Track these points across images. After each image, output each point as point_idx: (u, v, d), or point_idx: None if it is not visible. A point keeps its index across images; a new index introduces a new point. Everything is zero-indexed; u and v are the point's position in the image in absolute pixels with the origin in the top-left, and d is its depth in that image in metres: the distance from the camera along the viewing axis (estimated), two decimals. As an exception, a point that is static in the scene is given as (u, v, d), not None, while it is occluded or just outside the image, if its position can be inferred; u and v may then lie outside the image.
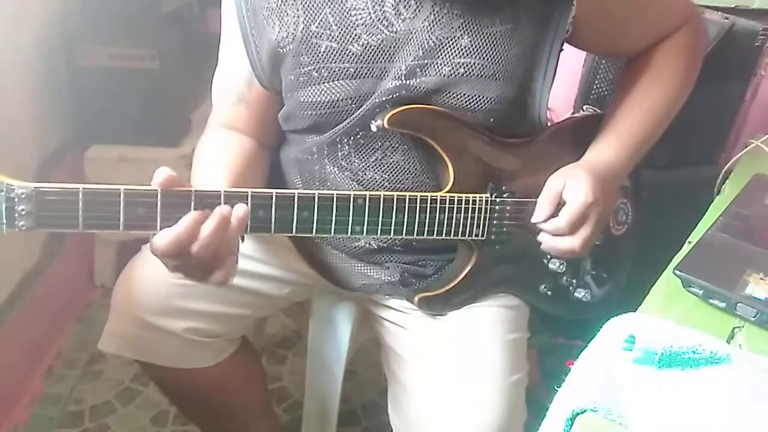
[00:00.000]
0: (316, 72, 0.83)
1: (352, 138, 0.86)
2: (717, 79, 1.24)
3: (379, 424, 1.43)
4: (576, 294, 0.98)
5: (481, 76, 0.82)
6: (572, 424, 0.58)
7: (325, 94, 0.83)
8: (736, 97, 1.34)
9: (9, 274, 1.42)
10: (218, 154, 0.89)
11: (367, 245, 0.94)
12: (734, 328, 0.73)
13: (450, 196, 0.83)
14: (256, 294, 1.00)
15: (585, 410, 0.58)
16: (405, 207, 0.81)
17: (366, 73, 0.82)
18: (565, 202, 0.84)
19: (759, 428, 0.55)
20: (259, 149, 0.94)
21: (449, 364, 0.90)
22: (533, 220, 0.85)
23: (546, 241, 0.86)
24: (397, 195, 0.80)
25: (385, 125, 0.80)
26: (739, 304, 0.73)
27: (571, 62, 1.27)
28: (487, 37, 0.81)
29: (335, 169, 0.89)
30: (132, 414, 1.46)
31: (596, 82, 1.33)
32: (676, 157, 1.30)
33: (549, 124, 0.94)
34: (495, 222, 0.88)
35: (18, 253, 1.45)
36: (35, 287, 1.48)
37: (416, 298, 0.92)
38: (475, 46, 0.81)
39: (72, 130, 1.68)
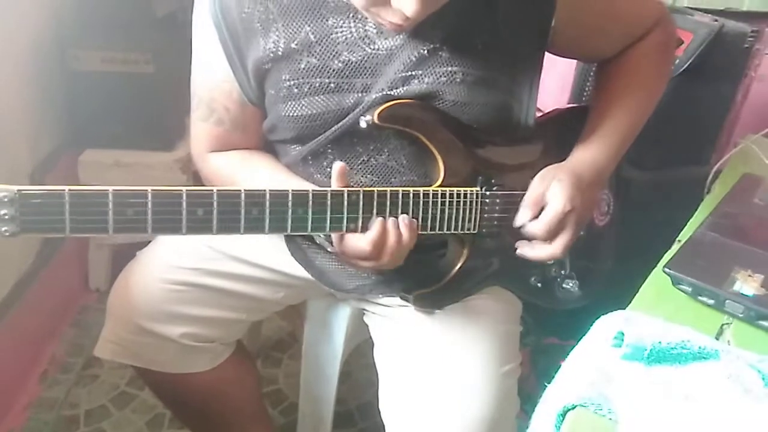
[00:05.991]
0: (297, 88, 0.83)
1: (335, 146, 0.86)
2: (707, 81, 1.26)
3: (374, 425, 1.42)
4: (564, 285, 1.00)
5: (464, 83, 0.82)
6: (563, 420, 0.59)
7: (306, 109, 0.83)
8: (726, 98, 1.35)
9: (4, 278, 1.41)
10: (245, 167, 0.90)
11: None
12: (723, 324, 0.74)
13: (441, 191, 0.84)
14: (251, 298, 1.00)
15: (575, 406, 0.59)
16: (398, 202, 0.81)
17: (348, 89, 0.83)
18: (547, 204, 0.85)
19: (747, 423, 0.56)
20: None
21: (439, 356, 0.91)
22: (515, 223, 0.86)
23: (526, 251, 0.88)
24: (390, 190, 0.80)
25: (375, 121, 0.79)
26: (727, 301, 0.74)
27: (563, 66, 1.28)
28: (469, 48, 0.82)
29: (322, 177, 0.89)
30: (127, 418, 1.45)
31: (588, 85, 1.34)
32: (667, 157, 1.31)
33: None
34: (486, 215, 0.88)
35: (13, 256, 1.45)
36: (30, 291, 1.48)
37: (411, 296, 0.92)
38: (458, 57, 0.82)
39: (66, 134, 1.68)
